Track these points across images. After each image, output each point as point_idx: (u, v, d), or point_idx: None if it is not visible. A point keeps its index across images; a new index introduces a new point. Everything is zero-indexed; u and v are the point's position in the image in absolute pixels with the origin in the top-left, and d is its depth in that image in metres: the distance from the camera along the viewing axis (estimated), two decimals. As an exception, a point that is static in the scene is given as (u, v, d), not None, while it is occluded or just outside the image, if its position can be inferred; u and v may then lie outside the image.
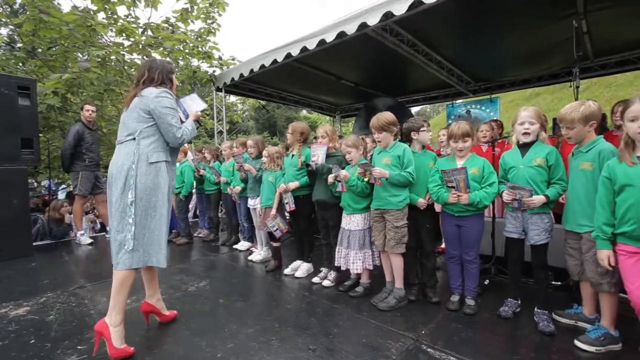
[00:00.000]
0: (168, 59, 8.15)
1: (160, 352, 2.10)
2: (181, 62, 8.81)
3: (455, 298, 2.64)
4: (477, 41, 4.74)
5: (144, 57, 7.00)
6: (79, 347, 2.15)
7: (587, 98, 2.21)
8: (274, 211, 3.51)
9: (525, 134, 2.35)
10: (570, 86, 4.08)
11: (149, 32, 7.12)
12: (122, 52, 6.68)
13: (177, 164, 5.15)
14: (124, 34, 6.53)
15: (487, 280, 3.09)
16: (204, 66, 8.98)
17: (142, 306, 2.44)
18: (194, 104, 2.49)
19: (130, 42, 6.75)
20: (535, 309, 2.38)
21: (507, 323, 2.40)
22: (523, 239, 2.42)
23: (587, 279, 2.13)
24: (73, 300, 2.93)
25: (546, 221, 2.32)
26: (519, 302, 2.53)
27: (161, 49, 7.39)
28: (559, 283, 2.92)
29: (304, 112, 21.69)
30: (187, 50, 8.34)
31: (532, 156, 2.35)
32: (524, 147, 2.41)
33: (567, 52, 4.49)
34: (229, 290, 3.15)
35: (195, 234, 5.45)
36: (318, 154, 3.12)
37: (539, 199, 2.24)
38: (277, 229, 3.50)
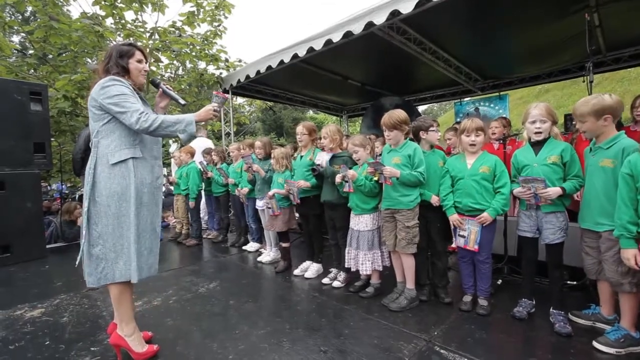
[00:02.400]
0: (175, 62, 8.25)
1: (173, 354, 2.11)
2: (189, 65, 8.90)
3: (467, 298, 2.60)
4: (486, 38, 4.68)
5: (152, 61, 7.08)
6: (92, 349, 2.17)
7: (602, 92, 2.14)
8: (271, 193, 3.57)
9: (537, 133, 2.30)
10: (584, 81, 3.98)
11: (156, 37, 7.20)
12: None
13: (184, 166, 5.19)
14: (131, 39, 6.59)
15: (500, 280, 3.04)
16: (211, 68, 9.06)
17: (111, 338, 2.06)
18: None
19: (138, 47, 6.82)
20: (551, 310, 2.32)
21: (522, 324, 2.36)
22: (537, 238, 2.37)
23: (607, 279, 2.07)
24: (86, 302, 2.96)
25: (561, 219, 2.27)
26: (534, 302, 2.48)
27: (169, 52, 7.47)
28: (575, 282, 2.86)
29: (311, 112, 21.71)
30: (194, 53, 8.41)
31: (546, 154, 2.29)
32: (536, 145, 2.36)
33: (578, 46, 4.42)
34: (239, 291, 3.15)
35: (204, 236, 5.48)
36: (322, 159, 3.13)
37: (554, 190, 2.18)
38: (270, 207, 3.57)
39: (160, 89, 2.22)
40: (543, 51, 5.02)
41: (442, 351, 2.05)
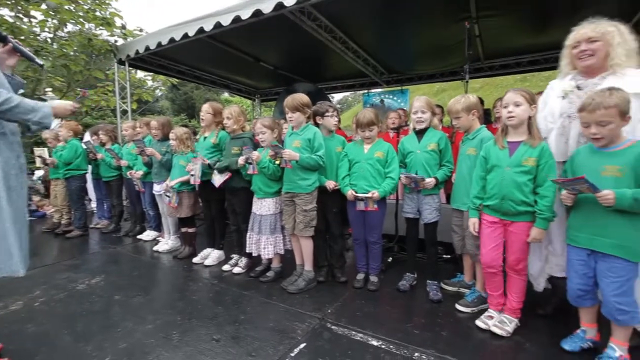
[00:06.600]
0: (55, 20, 6.90)
1: (30, 363, 1.80)
2: (72, 27, 7.53)
3: (360, 276, 2.80)
4: (390, 33, 4.98)
5: (17, 15, 5.79)
6: None
7: (476, 95, 2.49)
8: (171, 183, 3.34)
9: (419, 122, 2.58)
10: (467, 82, 4.58)
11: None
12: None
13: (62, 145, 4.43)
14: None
15: (391, 258, 3.35)
16: (104, 34, 7.86)
17: None
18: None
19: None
20: (427, 281, 2.66)
21: (405, 295, 2.64)
22: (418, 218, 2.67)
23: (467, 252, 2.45)
24: None
25: (436, 201, 2.60)
26: (416, 275, 2.80)
27: (43, 6, 6.20)
28: (449, 256, 3.32)
29: (226, 94, 20.60)
30: (80, 13, 7.16)
31: (426, 142, 2.59)
32: (419, 133, 2.63)
33: (464, 51, 5.03)
34: (128, 284, 2.85)
35: (91, 225, 4.81)
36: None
37: (430, 181, 2.49)
38: (168, 197, 3.39)
39: (9, 45, 1.81)
40: (437, 52, 5.58)
41: (333, 327, 2.17)
